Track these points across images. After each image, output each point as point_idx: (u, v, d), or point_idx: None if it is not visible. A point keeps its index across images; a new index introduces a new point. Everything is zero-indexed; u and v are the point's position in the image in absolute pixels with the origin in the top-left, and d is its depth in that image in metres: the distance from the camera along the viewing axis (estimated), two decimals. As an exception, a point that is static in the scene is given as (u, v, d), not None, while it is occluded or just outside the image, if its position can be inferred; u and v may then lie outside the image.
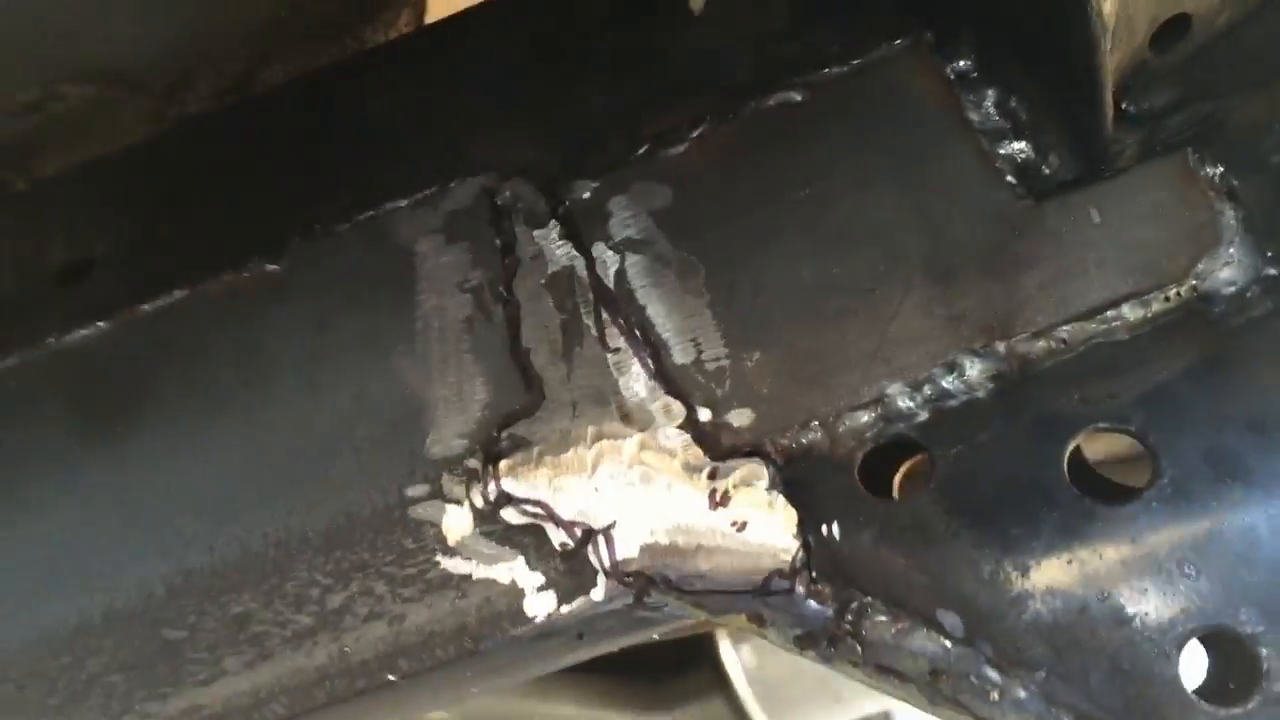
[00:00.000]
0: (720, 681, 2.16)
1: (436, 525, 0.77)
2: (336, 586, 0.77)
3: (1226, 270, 0.71)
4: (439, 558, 0.77)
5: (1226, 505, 0.66)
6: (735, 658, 2.11)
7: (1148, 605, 0.66)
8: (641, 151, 0.81)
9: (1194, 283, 0.71)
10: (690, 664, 2.26)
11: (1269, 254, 0.71)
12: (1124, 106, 0.76)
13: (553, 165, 0.83)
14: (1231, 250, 0.71)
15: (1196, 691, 0.65)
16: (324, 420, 0.81)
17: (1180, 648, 0.65)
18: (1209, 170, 0.73)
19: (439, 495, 0.77)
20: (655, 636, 0.91)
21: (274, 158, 0.90)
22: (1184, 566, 0.66)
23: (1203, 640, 0.67)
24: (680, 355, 0.77)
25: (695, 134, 0.81)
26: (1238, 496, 0.66)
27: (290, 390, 0.82)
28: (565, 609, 0.75)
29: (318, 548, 0.78)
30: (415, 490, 0.78)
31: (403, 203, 0.84)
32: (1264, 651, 0.64)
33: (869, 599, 0.71)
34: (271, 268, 0.85)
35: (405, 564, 0.77)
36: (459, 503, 0.77)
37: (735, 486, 0.73)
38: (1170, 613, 0.65)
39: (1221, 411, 0.68)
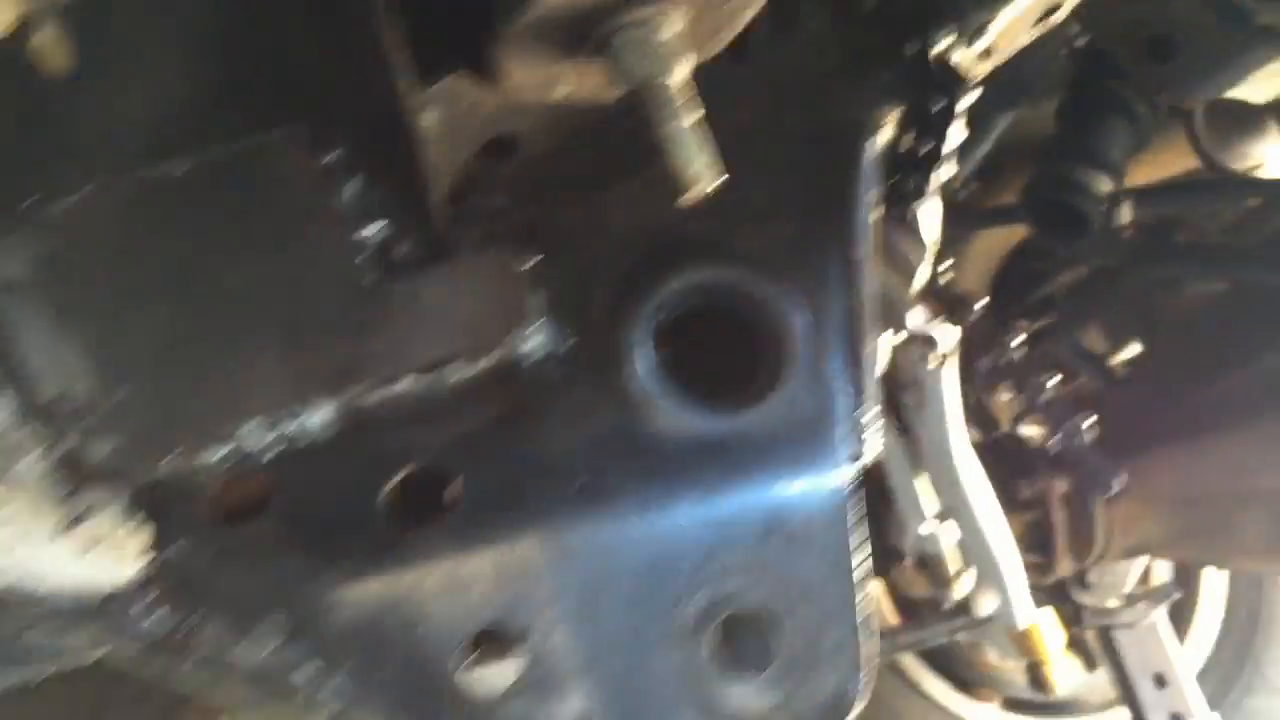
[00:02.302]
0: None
1: None
2: None
3: (530, 343, 0.87)
4: None
5: (507, 530, 0.80)
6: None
7: (438, 611, 0.78)
8: (33, 200, 0.87)
9: (504, 350, 0.87)
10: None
11: (565, 331, 0.88)
12: (469, 203, 0.92)
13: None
14: (535, 325, 0.87)
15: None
16: None
17: (457, 647, 0.78)
18: (524, 262, 0.89)
19: None
20: None
21: None
22: (469, 579, 0.79)
23: (470, 645, 0.80)
24: (48, 389, 0.82)
25: (85, 191, 0.87)
26: (516, 522, 0.81)
27: None
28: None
29: None
30: None
31: None
32: (527, 643, 0.78)
33: (206, 610, 0.78)
34: None
35: None
36: None
37: (89, 510, 0.79)
38: (434, 618, 0.78)
39: (516, 454, 0.83)
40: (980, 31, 1.03)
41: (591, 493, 0.82)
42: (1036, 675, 3.54)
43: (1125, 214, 2.19)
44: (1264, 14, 1.55)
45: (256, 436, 0.83)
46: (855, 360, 0.89)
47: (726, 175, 0.73)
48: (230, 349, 0.84)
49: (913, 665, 3.47)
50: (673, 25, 0.73)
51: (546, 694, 0.79)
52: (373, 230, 0.89)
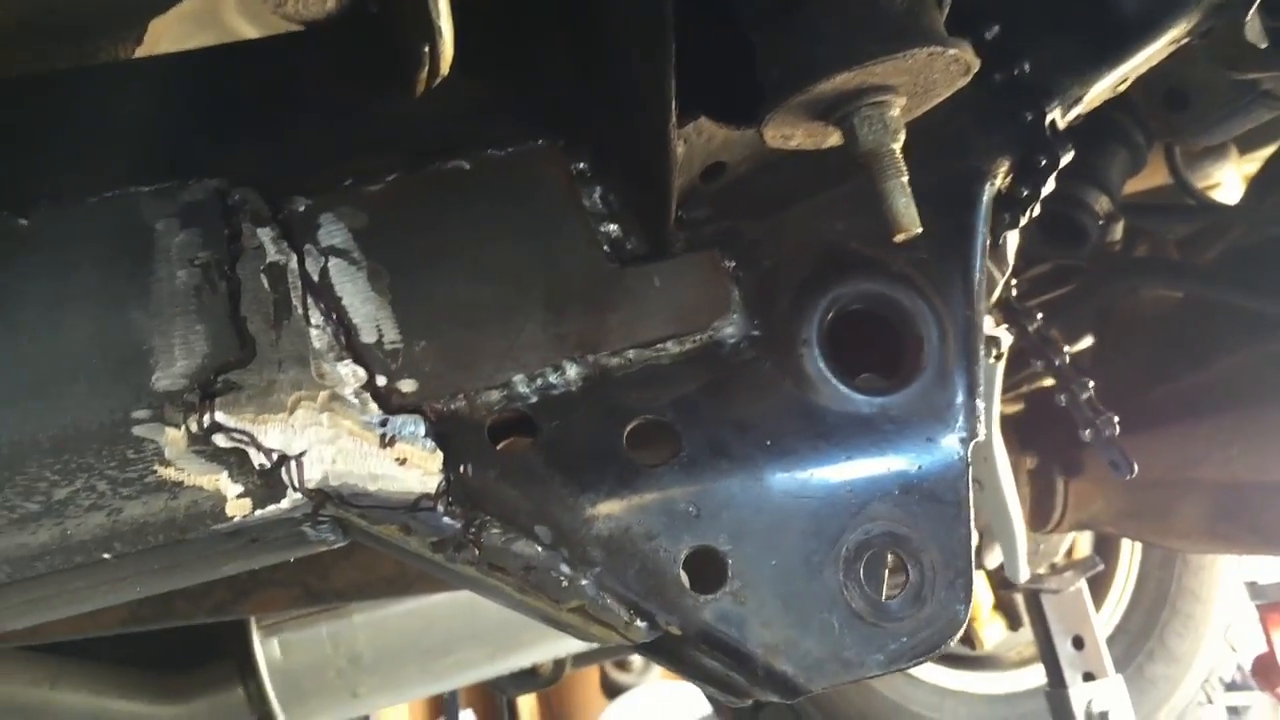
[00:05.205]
0: (243, 673, 2.32)
1: (156, 442, 0.98)
2: (63, 482, 0.96)
3: (730, 328, 1.11)
4: (156, 467, 0.98)
5: (716, 472, 1.05)
6: (262, 651, 2.29)
7: (665, 530, 1.03)
8: (348, 183, 1.08)
9: (711, 333, 1.11)
10: (211, 658, 2.41)
11: (756, 322, 1.12)
12: (679, 214, 1.15)
13: (275, 181, 1.08)
14: (734, 316, 1.12)
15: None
16: (62, 352, 0.99)
17: (681, 557, 1.02)
18: (726, 263, 1.13)
19: (160, 419, 0.99)
20: (291, 559, 1.16)
21: (26, 135, 1.06)
22: (689, 507, 1.03)
23: (689, 556, 1.04)
24: (366, 336, 1.04)
25: (390, 178, 1.09)
26: (724, 467, 1.05)
27: (32, 325, 0.99)
28: (258, 513, 0.99)
29: (48, 450, 0.96)
30: (139, 413, 0.98)
31: (145, 189, 1.05)
32: (729, 558, 1.03)
33: (488, 518, 1.02)
34: (21, 222, 1.02)
35: (126, 469, 0.97)
36: (176, 426, 0.99)
37: (399, 433, 1.02)
38: (664, 534, 1.02)
39: (719, 415, 1.07)
40: (1076, 101, 1.29)
41: (777, 450, 1.07)
42: (966, 631, 3.89)
43: (1117, 232, 2.48)
44: (1268, 81, 1.83)
45: (522, 386, 1.06)
46: (973, 360, 1.14)
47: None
48: (504, 315, 1.07)
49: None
50: (897, 107, 0.97)
51: (742, 600, 1.03)
52: (610, 228, 1.13)
